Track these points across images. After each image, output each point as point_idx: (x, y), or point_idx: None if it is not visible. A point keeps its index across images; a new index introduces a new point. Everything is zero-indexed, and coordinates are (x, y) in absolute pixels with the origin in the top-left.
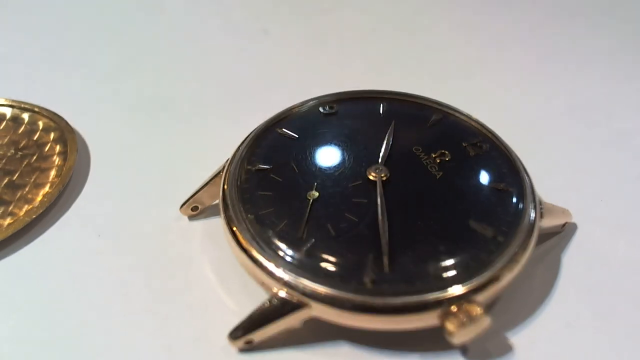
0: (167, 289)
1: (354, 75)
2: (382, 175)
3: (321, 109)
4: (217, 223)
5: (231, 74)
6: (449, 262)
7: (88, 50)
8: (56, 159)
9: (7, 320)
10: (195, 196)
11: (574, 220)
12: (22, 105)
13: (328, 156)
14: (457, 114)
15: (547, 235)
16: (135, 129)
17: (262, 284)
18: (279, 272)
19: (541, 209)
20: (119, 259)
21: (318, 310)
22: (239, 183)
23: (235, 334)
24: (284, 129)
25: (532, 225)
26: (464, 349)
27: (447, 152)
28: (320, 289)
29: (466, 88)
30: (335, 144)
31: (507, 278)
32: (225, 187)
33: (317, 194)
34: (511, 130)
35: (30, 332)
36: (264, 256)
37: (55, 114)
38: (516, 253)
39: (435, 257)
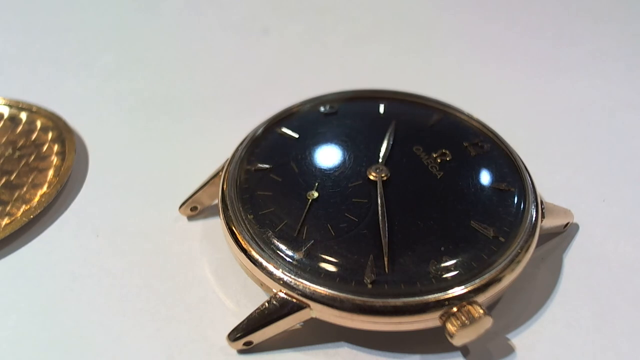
0: (166, 289)
1: (354, 75)
2: (383, 175)
3: (321, 109)
4: (217, 223)
5: (230, 74)
6: (450, 262)
7: (87, 49)
8: (54, 159)
9: (6, 321)
10: (195, 196)
11: (575, 220)
12: (20, 105)
13: (328, 156)
14: (458, 114)
15: (549, 235)
16: (134, 128)
17: (262, 285)
18: (279, 273)
19: (543, 209)
20: (117, 259)
21: (318, 311)
22: (238, 183)
23: (234, 335)
24: (283, 129)
25: (534, 225)
26: (464, 350)
27: (448, 152)
28: (320, 289)
29: (467, 87)
30: (336, 144)
31: (509, 278)
32: (225, 187)
33: (316, 194)
34: (512, 130)
35: (29, 332)
36: (263, 257)
37: (53, 113)
38: (517, 253)
39: (435, 257)
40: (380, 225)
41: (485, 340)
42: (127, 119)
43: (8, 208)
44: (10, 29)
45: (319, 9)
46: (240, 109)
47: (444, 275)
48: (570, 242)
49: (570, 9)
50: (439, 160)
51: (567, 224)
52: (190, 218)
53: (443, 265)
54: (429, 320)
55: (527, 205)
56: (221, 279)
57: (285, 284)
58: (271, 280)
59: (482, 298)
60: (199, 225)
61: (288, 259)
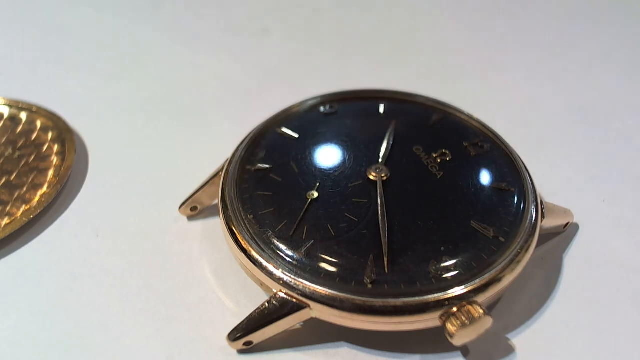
0: (166, 289)
1: (354, 75)
2: (383, 175)
3: (321, 109)
4: (217, 223)
5: (230, 74)
6: (450, 262)
7: (87, 49)
8: (54, 159)
9: (6, 321)
10: (195, 196)
11: (575, 220)
12: (20, 105)
13: (328, 156)
14: (458, 114)
15: (549, 235)
16: (134, 128)
17: (262, 285)
18: (279, 273)
19: (543, 209)
20: (117, 259)
21: (318, 311)
22: (238, 183)
23: (234, 335)
24: (283, 129)
25: (534, 225)
26: (464, 350)
27: (448, 152)
28: (320, 289)
29: (467, 88)
30: (336, 144)
31: (509, 279)
32: (225, 187)
33: (316, 194)
34: (512, 130)
35: (29, 332)
36: (263, 257)
37: (53, 113)
38: (517, 253)
39: (436, 257)
40: (380, 225)
41: (485, 340)
42: (127, 119)
43: (8, 208)
44: (10, 29)
45: (318, 9)
46: (240, 109)
47: (444, 275)
48: (570, 242)
49: (570, 9)
50: (439, 160)
51: (567, 224)
52: (190, 218)
53: (443, 265)
54: (429, 320)
55: (527, 205)
56: (221, 279)
57: (285, 284)
58: (271, 280)
59: (482, 298)
60: (199, 225)
61: (288, 259)
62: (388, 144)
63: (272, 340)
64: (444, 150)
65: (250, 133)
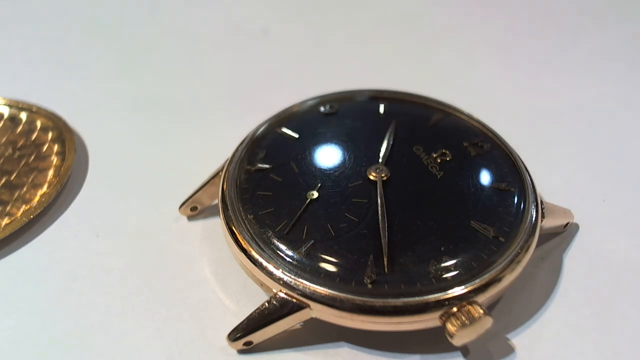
0: (167, 289)
1: (354, 75)
2: (383, 175)
3: (321, 109)
4: (217, 223)
5: (230, 74)
6: (450, 262)
7: (87, 49)
8: (54, 159)
9: (6, 321)
10: (195, 196)
11: (575, 220)
12: (20, 105)
13: (328, 156)
14: (458, 114)
15: (549, 235)
16: (134, 128)
17: (262, 285)
18: (279, 273)
19: (543, 209)
20: (117, 259)
21: (318, 311)
22: (238, 183)
23: (234, 335)
24: (283, 129)
25: (534, 225)
26: (464, 350)
27: (447, 152)
28: (320, 289)
29: (467, 87)
30: (336, 144)
31: (509, 278)
32: (225, 187)
33: (316, 194)
34: (512, 130)
35: (29, 332)
36: (263, 257)
37: (53, 113)
38: (517, 253)
39: (435, 257)
40: (380, 225)
41: (485, 340)
42: (127, 118)
43: (8, 208)
44: (10, 29)
45: (319, 9)
46: (240, 109)
47: (444, 275)
48: (570, 242)
49: (570, 8)
50: (439, 160)
51: (567, 224)
52: (190, 218)
53: (443, 265)
54: (429, 320)
55: (527, 205)
56: (221, 279)
57: (285, 284)
58: (271, 280)
59: (482, 298)
60: (199, 225)
61: (288, 259)
62: (388, 144)
63: (272, 340)
64: (444, 150)
65: (251, 133)
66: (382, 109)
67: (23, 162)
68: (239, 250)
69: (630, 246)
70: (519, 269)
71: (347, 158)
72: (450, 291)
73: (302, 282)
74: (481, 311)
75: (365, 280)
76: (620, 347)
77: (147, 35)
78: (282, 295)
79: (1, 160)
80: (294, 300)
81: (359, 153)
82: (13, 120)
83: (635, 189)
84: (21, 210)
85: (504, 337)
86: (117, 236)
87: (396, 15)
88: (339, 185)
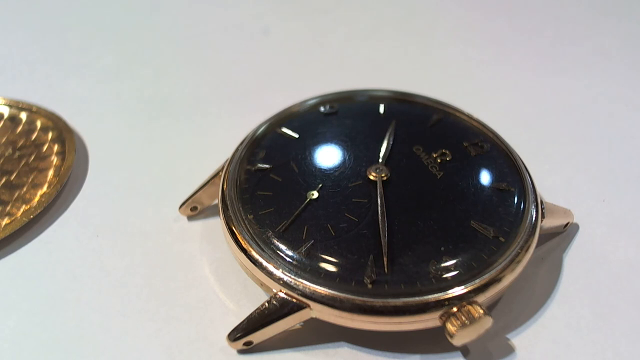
0: (167, 289)
1: (354, 75)
2: (383, 175)
3: (321, 109)
4: (217, 223)
5: (230, 73)
6: (450, 262)
7: (87, 49)
8: (54, 159)
9: (6, 320)
10: (195, 196)
11: (575, 220)
12: (20, 105)
13: (328, 156)
14: (457, 114)
15: (549, 235)
16: (134, 128)
17: (262, 285)
18: (279, 273)
19: (543, 209)
20: (117, 259)
21: (318, 311)
22: (238, 183)
23: (234, 335)
24: (283, 129)
25: (534, 225)
26: (464, 350)
27: (447, 152)
28: (320, 289)
29: (467, 87)
30: (336, 144)
31: (509, 278)
32: (225, 187)
33: (316, 194)
34: (512, 130)
35: (30, 332)
36: (263, 257)
37: (53, 113)
38: (517, 253)
39: (435, 257)
40: (380, 225)
41: (485, 340)
42: (127, 118)
43: (8, 208)
44: (10, 29)
45: (319, 9)
46: (240, 109)
47: (444, 275)
48: (570, 242)
49: (570, 7)
50: (439, 160)
51: (567, 224)
52: (190, 218)
53: (443, 265)
54: (429, 320)
55: (527, 205)
56: (221, 279)
57: (285, 284)
58: (271, 280)
59: (482, 298)
60: (199, 225)
61: (288, 259)
62: (388, 144)
63: (272, 340)
64: (444, 150)
65: (251, 133)
66: (382, 109)
67: (23, 162)
68: (239, 250)
69: (630, 246)
70: (519, 269)
71: (347, 158)
72: (450, 291)
73: (302, 282)
74: (481, 311)
75: (365, 280)
76: (621, 347)
77: (147, 35)
78: (282, 295)
79: (1, 160)
80: (294, 300)
81: (359, 153)
82: (13, 120)
83: (636, 189)
84: (21, 210)
85: (504, 337)
86: (117, 236)
87: (396, 15)
88: (339, 185)
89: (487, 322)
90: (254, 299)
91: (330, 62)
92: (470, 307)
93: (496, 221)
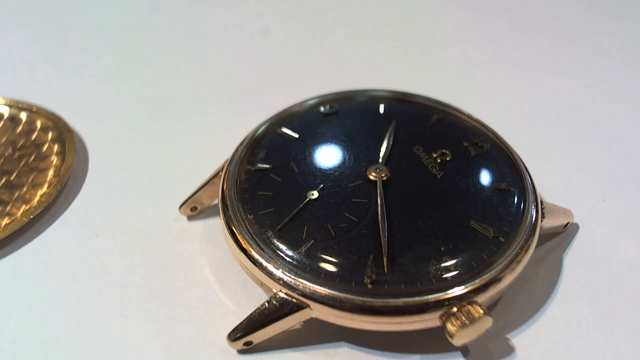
0: (167, 289)
1: (354, 75)
2: (383, 175)
3: (321, 109)
4: (217, 223)
5: (230, 73)
6: (450, 262)
7: (87, 49)
8: (54, 159)
9: (6, 320)
10: (195, 196)
11: (575, 220)
12: (20, 105)
13: (328, 156)
14: (458, 114)
15: (549, 235)
16: (134, 128)
17: (262, 285)
18: (279, 273)
19: (543, 209)
20: (117, 259)
21: (318, 311)
22: (238, 183)
23: (234, 335)
24: (283, 129)
25: (534, 225)
26: (465, 350)
27: (448, 152)
28: (320, 289)
29: (467, 87)
30: (336, 144)
31: (509, 278)
32: (225, 187)
33: (316, 194)
34: (512, 130)
35: (30, 332)
36: (263, 257)
37: (53, 113)
38: (517, 253)
39: (435, 257)
40: (380, 225)
41: (485, 340)
42: (127, 118)
43: (8, 208)
44: (10, 29)
45: (319, 9)
46: (240, 108)
47: (444, 275)
48: (570, 242)
49: (570, 7)
50: (439, 160)
51: (567, 224)
52: (190, 218)
53: (443, 265)
54: (429, 320)
55: (527, 205)
56: (221, 279)
57: (285, 284)
58: (271, 280)
59: (482, 298)
60: (199, 225)
61: (288, 258)
62: (388, 144)
63: (272, 340)
64: (444, 150)
65: (251, 133)
66: (382, 109)
67: (23, 162)
68: (239, 250)
69: (631, 246)
70: (519, 269)
71: (347, 158)
72: (450, 291)
73: (302, 282)
74: (481, 311)
75: (365, 280)
76: (621, 347)
77: (147, 35)
78: (282, 295)
79: (1, 160)
80: (294, 300)
81: (359, 153)
82: (13, 120)
83: (636, 188)
84: (21, 210)
85: (504, 337)
86: (117, 236)
87: (396, 15)
88: (339, 185)
89: (487, 322)
90: (254, 299)
91: (330, 62)
92: (470, 307)
93: (496, 221)
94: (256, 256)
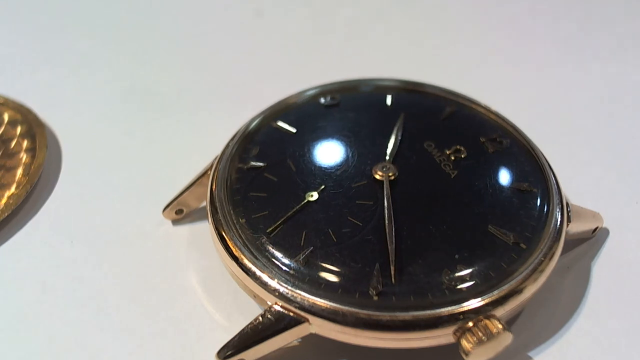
0: (149, 302)
1: (358, 63)
2: (390, 174)
3: (322, 100)
4: (205, 228)
5: (220, 61)
6: (465, 271)
7: (60, 35)
8: (23, 156)
9: None
10: (180, 198)
11: (605, 224)
12: None
13: (329, 153)
14: (473, 106)
15: (576, 241)
16: (112, 122)
17: (255, 297)
18: (274, 283)
19: (569, 212)
20: (94, 268)
21: (317, 326)
22: (229, 183)
23: (225, 353)
24: (279, 123)
25: (559, 230)
26: None
27: (462, 148)
28: (320, 302)
29: (484, 77)
30: (338, 140)
31: (530, 290)
32: (214, 187)
33: (315, 195)
34: (534, 124)
35: None
36: (256, 265)
37: (22, 105)
38: (541, 262)
39: (449, 266)
40: (387, 230)
41: (504, 358)
42: (104, 111)
43: None
44: None
45: None
46: (232, 101)
47: (459, 286)
48: (600, 248)
49: None
50: (452, 158)
51: (596, 228)
52: (175, 222)
53: (457, 274)
54: (441, 337)
55: (551, 208)
56: (209, 290)
57: (281, 296)
58: (265, 292)
59: (501, 311)
60: (185, 230)
61: (284, 267)
62: (396, 139)
63: (266, 359)
64: (458, 147)
65: (243, 127)
66: (389, 100)
67: None
68: (229, 258)
69: None
70: (542, 279)
71: (350, 155)
72: (465, 304)
73: (300, 294)
74: (500, 326)
75: (370, 292)
76: None
77: (127, 19)
78: (277, 308)
79: None
80: (291, 314)
81: (364, 150)
82: None
83: None
84: None
85: (526, 355)
86: (93, 243)
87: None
88: (341, 185)
89: (507, 339)
90: (247, 313)
91: (332, 49)
92: (487, 321)
93: (517, 226)
94: (249, 264)
